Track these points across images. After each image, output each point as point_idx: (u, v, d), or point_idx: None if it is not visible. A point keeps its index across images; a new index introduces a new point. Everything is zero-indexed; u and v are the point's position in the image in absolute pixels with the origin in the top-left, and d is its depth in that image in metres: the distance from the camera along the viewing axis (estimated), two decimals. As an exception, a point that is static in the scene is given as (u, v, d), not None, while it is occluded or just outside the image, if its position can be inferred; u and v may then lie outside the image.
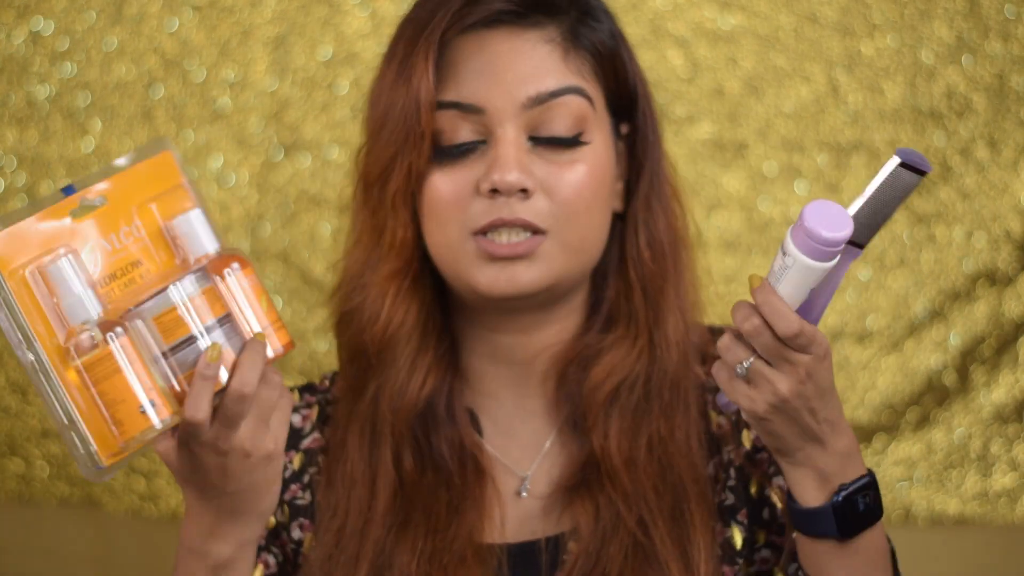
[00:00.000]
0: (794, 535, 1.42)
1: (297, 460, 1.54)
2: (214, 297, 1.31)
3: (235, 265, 1.33)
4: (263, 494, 1.36)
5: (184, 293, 1.30)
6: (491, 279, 1.45)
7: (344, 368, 1.55)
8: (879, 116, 2.12)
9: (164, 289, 1.30)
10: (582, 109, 1.47)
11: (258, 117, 2.13)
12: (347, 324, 1.54)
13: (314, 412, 1.57)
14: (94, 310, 1.29)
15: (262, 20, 2.13)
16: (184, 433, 1.30)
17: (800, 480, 1.38)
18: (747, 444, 1.51)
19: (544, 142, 1.46)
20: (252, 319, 1.33)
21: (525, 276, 1.45)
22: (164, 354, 1.30)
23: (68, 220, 1.32)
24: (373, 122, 1.50)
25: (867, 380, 2.12)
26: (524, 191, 1.44)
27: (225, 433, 1.30)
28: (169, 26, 2.13)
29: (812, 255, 1.29)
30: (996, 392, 2.11)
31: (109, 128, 2.13)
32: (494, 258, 1.45)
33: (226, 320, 1.31)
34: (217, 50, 2.13)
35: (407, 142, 1.46)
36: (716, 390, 1.52)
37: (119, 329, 1.28)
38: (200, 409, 1.28)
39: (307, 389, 1.60)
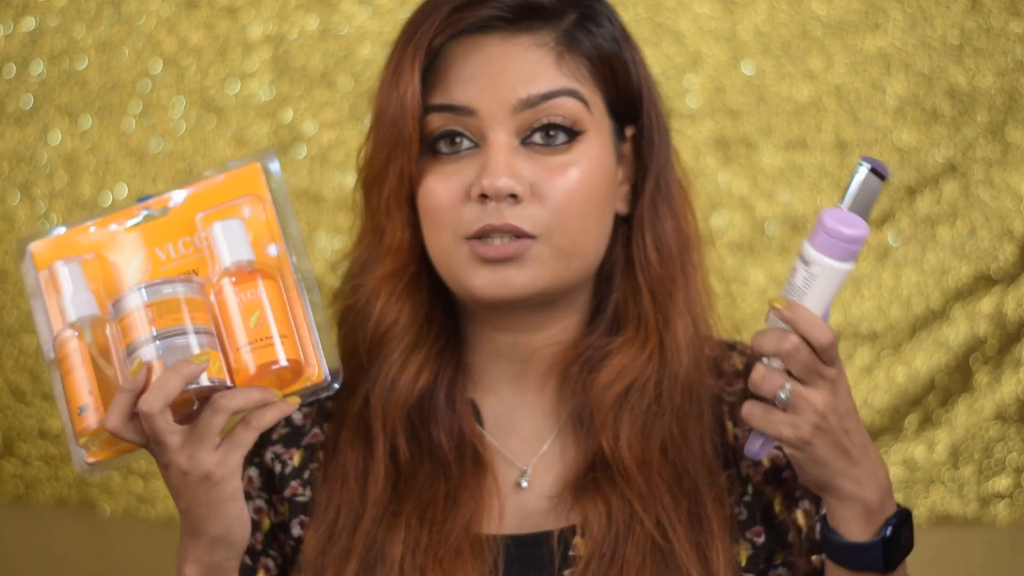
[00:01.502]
0: (823, 565, 1.43)
1: (297, 456, 1.54)
2: (164, 310, 1.30)
3: (225, 281, 1.31)
4: (210, 517, 1.33)
5: (133, 303, 1.29)
6: (484, 283, 1.45)
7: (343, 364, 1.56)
8: (882, 115, 2.11)
9: (124, 295, 1.30)
10: (576, 111, 1.46)
11: (258, 117, 2.13)
12: (344, 322, 1.55)
13: (315, 408, 1.57)
14: (77, 313, 1.30)
15: (262, 19, 2.13)
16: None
17: (847, 515, 1.39)
18: (766, 462, 1.50)
19: (536, 144, 1.46)
20: (234, 334, 1.31)
21: (517, 279, 1.45)
22: (124, 359, 1.30)
23: (115, 227, 1.34)
24: (373, 124, 1.52)
25: (869, 381, 2.11)
26: (514, 196, 1.44)
27: (155, 448, 1.31)
28: (169, 26, 2.12)
29: (838, 256, 1.32)
30: (999, 392, 2.10)
31: (108, 127, 2.12)
32: (486, 261, 1.45)
33: (169, 335, 1.29)
34: (216, 49, 2.13)
35: (397, 146, 1.47)
36: (733, 404, 1.52)
37: (70, 332, 1.30)
38: (110, 419, 1.29)
39: (309, 387, 1.60)
